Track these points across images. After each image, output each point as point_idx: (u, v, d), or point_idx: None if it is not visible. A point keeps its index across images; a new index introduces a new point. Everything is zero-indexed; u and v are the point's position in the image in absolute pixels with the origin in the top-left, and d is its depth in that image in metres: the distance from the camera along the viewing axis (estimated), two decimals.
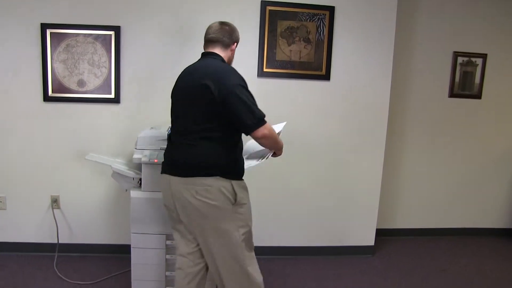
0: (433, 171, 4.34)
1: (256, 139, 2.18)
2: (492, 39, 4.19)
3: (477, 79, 4.24)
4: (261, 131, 2.13)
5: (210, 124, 2.15)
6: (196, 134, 2.17)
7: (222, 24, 2.38)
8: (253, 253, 2.33)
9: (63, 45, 3.32)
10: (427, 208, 4.40)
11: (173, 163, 2.24)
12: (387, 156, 3.83)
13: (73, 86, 3.38)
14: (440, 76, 4.19)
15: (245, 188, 2.30)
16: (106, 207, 3.58)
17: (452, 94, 4.22)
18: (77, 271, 3.32)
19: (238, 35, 2.44)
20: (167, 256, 2.78)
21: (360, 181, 3.79)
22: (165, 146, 2.75)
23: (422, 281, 3.45)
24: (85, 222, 3.59)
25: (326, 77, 3.58)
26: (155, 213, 2.72)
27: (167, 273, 2.80)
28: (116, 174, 2.87)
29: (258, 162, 2.35)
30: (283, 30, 3.48)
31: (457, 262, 3.85)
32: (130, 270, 2.85)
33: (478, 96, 4.28)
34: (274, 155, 2.36)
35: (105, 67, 3.38)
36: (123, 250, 3.42)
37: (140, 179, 2.78)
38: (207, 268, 2.41)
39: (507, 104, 4.37)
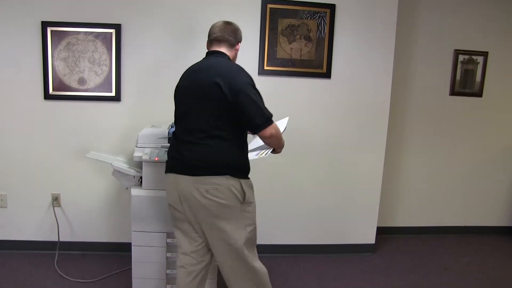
0: (434, 169, 4.34)
1: (263, 138, 2.22)
2: (493, 37, 4.18)
3: (478, 77, 4.24)
4: (269, 130, 2.16)
5: (220, 122, 2.16)
6: (206, 132, 2.16)
7: (227, 23, 2.38)
8: (255, 249, 2.37)
9: (63, 43, 3.32)
10: (428, 206, 4.40)
11: (181, 161, 2.22)
12: (388, 154, 3.83)
13: (74, 84, 3.38)
14: (441, 74, 4.18)
15: (251, 187, 2.32)
16: (107, 205, 3.59)
17: (453, 92, 4.22)
18: (77, 269, 3.32)
19: (241, 35, 2.45)
20: (168, 254, 2.78)
21: (361, 179, 3.79)
22: (166, 144, 2.77)
23: (423, 280, 3.45)
24: (86, 220, 3.59)
25: (327, 75, 3.58)
26: (156, 211, 2.72)
27: (168, 271, 2.80)
28: (117, 172, 2.87)
29: (256, 157, 2.36)
30: (284, 28, 3.48)
31: (459, 260, 3.85)
32: (130, 268, 2.84)
33: (479, 94, 4.27)
34: (274, 151, 2.38)
35: (106, 65, 3.38)
36: (124, 248, 3.43)
37: (141, 177, 2.77)
38: (208, 266, 2.43)
39: (508, 102, 4.36)
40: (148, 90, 3.46)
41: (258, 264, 2.34)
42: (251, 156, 2.37)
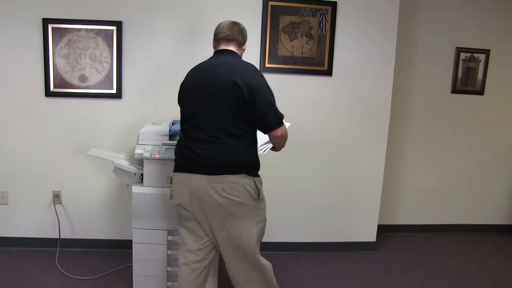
0: (435, 167, 4.34)
1: (273, 137, 2.26)
2: (495, 35, 4.17)
3: (479, 75, 4.23)
4: (280, 130, 2.22)
5: (238, 121, 2.18)
6: (224, 131, 2.16)
7: (234, 23, 2.39)
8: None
9: (64, 40, 3.32)
10: (429, 204, 4.40)
11: (194, 160, 2.20)
12: (389, 152, 3.82)
13: (75, 81, 3.38)
14: (443, 72, 4.18)
15: (262, 184, 2.34)
16: (108, 203, 3.59)
17: (454, 90, 4.21)
18: (78, 266, 3.33)
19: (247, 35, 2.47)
20: (169, 252, 2.78)
21: (362, 176, 3.78)
22: (167, 142, 2.77)
23: (424, 278, 3.45)
24: (87, 217, 3.59)
25: (328, 72, 3.57)
26: (157, 208, 2.71)
27: (169, 269, 2.80)
28: (118, 170, 2.87)
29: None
30: (285, 26, 3.47)
31: (459, 258, 3.85)
32: (131, 265, 2.84)
33: (480, 92, 4.26)
34: (273, 149, 2.41)
35: (107, 62, 3.38)
36: (125, 245, 3.43)
37: (142, 175, 2.77)
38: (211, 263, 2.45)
39: (510, 100, 4.35)
40: (149, 87, 3.46)
41: (264, 260, 2.37)
42: None
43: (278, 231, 3.74)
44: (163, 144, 2.77)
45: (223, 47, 2.34)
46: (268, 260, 2.40)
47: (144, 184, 2.74)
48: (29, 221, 3.55)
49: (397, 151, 4.20)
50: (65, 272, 3.20)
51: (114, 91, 3.42)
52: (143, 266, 2.80)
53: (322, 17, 3.49)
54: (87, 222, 3.60)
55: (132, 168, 2.81)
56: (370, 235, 3.89)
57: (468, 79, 4.21)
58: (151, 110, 3.45)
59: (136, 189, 2.72)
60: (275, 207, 3.68)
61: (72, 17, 3.30)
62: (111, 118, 3.46)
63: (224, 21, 2.39)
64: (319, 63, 3.55)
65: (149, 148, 2.72)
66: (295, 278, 3.34)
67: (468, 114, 4.29)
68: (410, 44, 4.05)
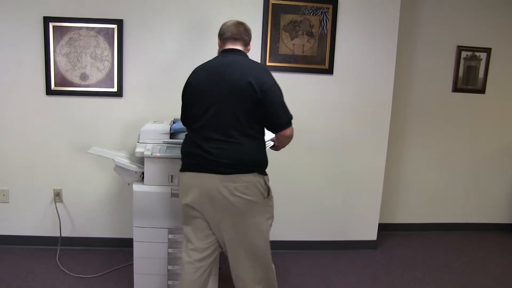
0: (436, 165, 4.33)
1: (282, 137, 2.30)
2: (497, 34, 4.17)
3: (481, 74, 4.22)
4: (289, 130, 2.26)
5: (251, 121, 2.19)
6: (239, 131, 2.17)
7: (240, 23, 2.38)
8: None
9: (65, 38, 3.32)
10: (430, 202, 4.40)
11: (207, 160, 2.19)
12: (390, 151, 3.82)
13: (76, 79, 3.38)
14: (444, 70, 4.17)
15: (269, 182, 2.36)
16: (109, 201, 3.59)
17: (455, 89, 4.21)
18: (79, 264, 3.33)
19: None
20: (170, 250, 2.78)
21: (362, 175, 3.78)
22: (168, 140, 2.76)
23: (425, 276, 3.45)
24: (88, 215, 3.60)
25: (329, 71, 3.57)
26: (158, 207, 2.71)
27: (170, 267, 2.80)
28: (119, 168, 2.86)
29: None
30: (286, 24, 3.47)
31: (460, 257, 3.85)
32: (132, 263, 2.84)
33: (481, 91, 4.26)
34: (273, 147, 2.44)
35: (108, 61, 3.38)
36: (126, 244, 3.43)
37: (143, 173, 2.77)
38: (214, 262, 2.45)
39: (511, 99, 4.35)
40: (150, 86, 3.46)
41: (271, 259, 2.40)
42: None
43: (279, 229, 3.72)
44: (164, 143, 2.77)
45: (230, 46, 2.33)
46: None
47: (145, 183, 2.74)
48: (30, 219, 3.56)
49: (398, 149, 4.19)
50: (66, 271, 3.20)
51: (115, 89, 3.42)
52: (144, 264, 2.80)
53: (323, 16, 3.49)
54: (88, 220, 3.60)
55: (133, 167, 2.81)
56: (371, 234, 3.90)
57: (469, 77, 4.21)
58: (152, 108, 3.45)
59: (137, 187, 2.72)
60: (276, 205, 3.67)
61: (73, 15, 3.30)
62: (112, 117, 3.46)
63: (229, 21, 2.38)
64: (320, 62, 3.55)
65: (150, 146, 2.72)
66: (296, 277, 3.35)
67: (469, 112, 4.28)
68: (411, 43, 4.05)
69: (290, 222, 3.76)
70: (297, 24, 3.48)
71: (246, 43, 2.38)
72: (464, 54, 4.14)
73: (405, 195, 4.35)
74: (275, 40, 3.48)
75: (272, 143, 2.41)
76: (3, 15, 3.26)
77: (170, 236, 2.76)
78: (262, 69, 2.26)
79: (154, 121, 2.98)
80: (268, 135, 2.38)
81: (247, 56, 2.34)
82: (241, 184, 2.17)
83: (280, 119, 2.21)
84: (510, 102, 4.34)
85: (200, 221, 2.32)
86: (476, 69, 4.21)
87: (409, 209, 4.39)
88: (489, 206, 4.53)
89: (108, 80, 3.40)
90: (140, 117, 3.37)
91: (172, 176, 2.70)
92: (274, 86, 2.20)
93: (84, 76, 3.38)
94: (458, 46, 4.12)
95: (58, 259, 3.36)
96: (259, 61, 3.46)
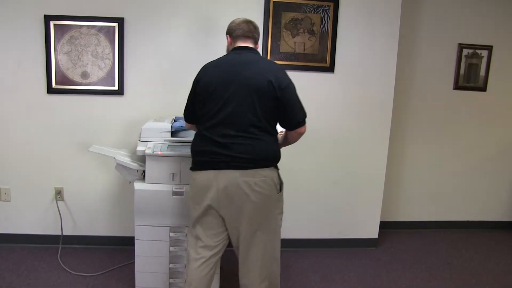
0: (437, 163, 4.33)
1: (297, 134, 2.35)
2: (498, 31, 4.16)
3: (482, 72, 4.22)
4: (304, 128, 2.34)
5: (269, 117, 2.22)
6: (256, 127, 2.19)
7: (249, 21, 2.40)
8: None
9: (66, 36, 3.31)
10: (431, 200, 4.40)
11: (226, 156, 2.19)
12: (391, 148, 3.82)
13: (77, 78, 3.38)
14: (445, 68, 4.17)
15: None
16: (110, 199, 3.59)
17: (456, 87, 4.20)
18: (81, 262, 3.33)
19: None
20: (171, 248, 2.78)
21: (364, 173, 3.78)
22: (169, 138, 2.76)
23: (426, 274, 3.45)
24: (89, 214, 3.60)
25: (330, 69, 3.57)
26: (159, 205, 2.71)
27: (171, 265, 2.80)
28: (120, 166, 2.87)
29: None
30: (287, 22, 3.47)
31: (462, 255, 3.85)
32: (133, 262, 2.85)
33: (483, 88, 4.25)
34: (282, 144, 2.46)
35: (109, 59, 3.38)
36: (127, 242, 3.43)
37: (144, 171, 2.77)
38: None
39: None
40: (151, 84, 3.46)
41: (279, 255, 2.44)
42: None
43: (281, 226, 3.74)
44: (165, 141, 2.77)
45: (241, 44, 2.34)
46: None
47: (146, 181, 2.74)
48: (31, 218, 3.56)
49: (399, 147, 4.19)
50: (67, 269, 3.21)
51: (116, 88, 3.41)
52: (145, 262, 2.80)
53: (324, 14, 3.48)
54: (89, 218, 3.61)
55: (134, 165, 2.81)
56: (372, 232, 3.90)
57: (470, 75, 4.20)
58: (153, 106, 3.45)
59: (138, 185, 2.72)
60: None
61: (74, 13, 3.30)
62: (113, 115, 3.46)
63: (238, 18, 2.40)
64: (321, 60, 3.54)
65: (151, 144, 2.72)
66: (298, 275, 3.35)
67: (470, 110, 4.28)
68: (413, 41, 4.04)
69: (292, 220, 3.75)
70: (298, 22, 3.48)
71: (256, 41, 2.40)
72: (465, 51, 4.14)
73: (406, 193, 4.35)
74: (276, 38, 3.47)
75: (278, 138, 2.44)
76: (4, 14, 3.26)
77: (172, 234, 2.76)
78: (279, 68, 2.29)
79: (155, 120, 2.98)
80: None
81: (260, 54, 2.36)
82: (260, 178, 2.20)
83: (297, 117, 2.28)
84: (511, 100, 4.33)
85: (212, 219, 2.32)
86: (478, 66, 4.20)
87: (410, 207, 4.39)
88: (491, 204, 4.52)
89: (109, 79, 3.40)
90: (141, 115, 3.37)
91: (173, 174, 2.70)
92: (291, 84, 2.26)
93: (85, 75, 3.38)
94: (460, 44, 4.12)
95: (60, 258, 3.36)
96: None
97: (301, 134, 2.36)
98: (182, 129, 2.85)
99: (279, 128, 2.39)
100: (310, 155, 3.68)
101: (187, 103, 2.42)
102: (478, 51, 4.16)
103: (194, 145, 2.34)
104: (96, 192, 3.57)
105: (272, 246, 2.35)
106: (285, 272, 3.33)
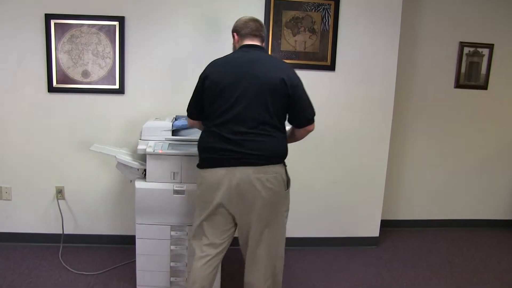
0: (438, 162, 4.33)
1: (306, 131, 2.40)
2: (499, 29, 4.15)
3: (483, 70, 4.21)
4: (313, 125, 2.38)
5: (280, 114, 2.25)
6: (268, 124, 2.21)
7: (256, 19, 2.41)
8: None
9: (67, 35, 3.31)
10: (432, 199, 4.39)
11: (239, 153, 2.19)
12: (392, 147, 3.81)
13: (78, 77, 3.38)
14: (446, 66, 4.16)
15: None
16: (111, 198, 3.59)
17: (457, 85, 4.20)
18: (82, 261, 3.34)
19: None
20: (172, 247, 2.78)
21: (365, 172, 3.78)
22: (170, 137, 2.77)
23: (427, 272, 3.45)
24: (90, 212, 3.60)
25: (331, 67, 3.56)
26: (160, 204, 2.72)
27: (172, 264, 2.81)
28: (121, 165, 2.87)
29: None
30: (288, 20, 3.46)
31: (463, 253, 3.84)
32: (134, 260, 2.85)
33: (484, 87, 4.25)
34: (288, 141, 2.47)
35: (110, 58, 3.37)
36: (128, 241, 3.44)
37: (145, 170, 2.77)
38: None
39: None
40: (152, 83, 3.45)
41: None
42: None
43: None
44: (166, 140, 2.77)
45: (249, 42, 2.35)
46: None
47: (147, 180, 2.74)
48: (32, 216, 3.56)
49: (400, 146, 4.19)
50: (68, 268, 3.21)
51: (116, 86, 3.41)
52: (146, 261, 2.80)
53: (325, 12, 3.48)
54: (90, 217, 3.61)
55: (135, 164, 2.81)
56: (373, 231, 3.89)
57: (471, 74, 4.20)
58: (153, 105, 3.45)
59: (139, 184, 2.73)
60: None
61: (75, 12, 3.30)
62: (114, 114, 3.46)
63: (244, 17, 2.41)
64: (322, 58, 3.54)
65: (152, 143, 2.72)
66: (299, 273, 3.35)
67: (471, 109, 4.27)
68: (414, 39, 4.04)
69: (293, 219, 3.73)
70: (299, 21, 3.47)
71: (263, 39, 2.42)
72: (466, 50, 4.13)
73: (407, 191, 4.34)
74: (277, 36, 3.47)
75: None
76: (4, 13, 3.26)
77: (172, 233, 2.77)
78: (289, 66, 2.32)
79: (156, 118, 2.99)
80: None
81: (268, 52, 2.38)
82: (271, 175, 2.22)
83: (307, 114, 2.32)
84: None
85: (221, 217, 2.32)
86: (479, 65, 4.19)
87: (411, 206, 4.38)
88: (492, 203, 4.52)
89: (110, 77, 3.40)
90: (142, 114, 3.37)
91: (174, 173, 2.71)
92: (300, 82, 2.29)
93: (85, 73, 3.38)
94: (461, 42, 4.11)
95: (61, 256, 3.36)
96: None
97: (310, 131, 2.39)
98: (183, 128, 2.86)
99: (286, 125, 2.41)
100: (310, 154, 3.68)
101: (191, 99, 2.40)
102: (479, 50, 4.15)
103: (203, 142, 2.33)
104: (97, 191, 3.57)
105: (278, 244, 2.36)
106: (286, 270, 3.30)
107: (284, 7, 3.44)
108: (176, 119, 2.98)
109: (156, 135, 2.78)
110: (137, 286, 2.87)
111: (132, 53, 3.40)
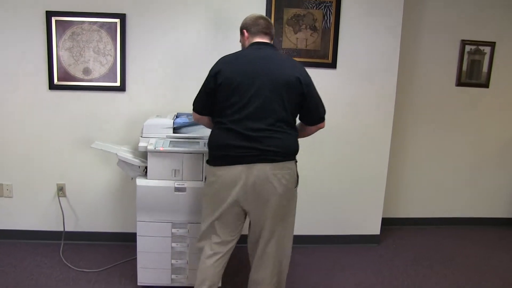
0: (440, 160, 4.32)
1: (317, 128, 2.47)
2: (501, 27, 4.14)
3: (485, 68, 4.20)
4: (324, 123, 2.45)
5: (293, 112, 2.30)
6: (284, 121, 2.24)
7: (265, 17, 2.43)
8: None
9: (68, 33, 3.31)
10: (433, 197, 4.39)
11: (256, 150, 2.18)
12: (393, 145, 3.81)
13: (79, 74, 3.38)
14: (448, 64, 4.15)
15: None
16: (112, 195, 3.59)
17: (459, 83, 4.19)
18: (83, 258, 3.34)
19: None
20: (173, 244, 2.79)
21: (366, 170, 3.77)
22: (171, 134, 2.76)
23: (428, 270, 3.45)
24: (91, 210, 3.60)
25: (333, 65, 3.56)
26: (161, 201, 2.72)
27: (173, 261, 2.81)
28: (122, 162, 2.87)
29: None
30: (289, 18, 3.46)
31: (464, 251, 3.84)
32: (136, 258, 2.85)
33: (485, 85, 4.24)
34: None
35: (111, 55, 3.37)
36: (129, 238, 3.44)
37: (146, 167, 2.77)
38: None
39: None
40: (153, 80, 3.45)
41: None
42: None
43: None
44: (167, 137, 2.77)
45: (259, 39, 2.36)
46: None
47: (148, 177, 2.74)
48: (33, 214, 3.56)
49: (401, 144, 4.18)
50: (69, 265, 3.21)
51: (117, 84, 3.41)
52: (147, 258, 2.81)
53: (327, 10, 3.47)
54: (91, 215, 3.61)
55: (136, 161, 2.81)
56: (374, 228, 3.89)
57: (473, 72, 4.19)
58: (155, 102, 3.45)
59: (140, 182, 2.73)
60: None
61: (76, 9, 3.29)
62: (115, 111, 3.46)
63: (253, 14, 2.43)
64: (323, 56, 3.54)
65: (153, 141, 2.72)
66: (300, 271, 3.35)
67: (473, 107, 4.27)
68: (415, 36, 4.03)
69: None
70: (300, 18, 3.47)
71: (273, 37, 2.44)
72: (468, 48, 4.12)
73: (408, 190, 4.34)
74: (278, 34, 3.46)
75: None
76: (5, 10, 3.25)
77: (174, 230, 2.77)
78: (301, 65, 2.34)
79: (157, 116, 2.99)
80: None
81: (278, 50, 2.40)
82: (286, 171, 2.25)
83: (319, 112, 2.38)
84: None
85: (234, 215, 2.32)
86: (480, 63, 4.19)
87: (412, 204, 4.38)
88: (493, 200, 4.52)
89: (111, 75, 3.40)
90: (143, 112, 3.37)
91: (175, 170, 2.71)
92: (312, 82, 2.32)
93: (87, 71, 3.38)
94: (462, 40, 4.10)
95: (62, 254, 3.37)
96: None
97: (320, 128, 2.46)
98: (184, 125, 2.86)
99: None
100: (311, 152, 3.67)
101: (199, 94, 2.36)
102: (481, 48, 4.15)
103: (216, 139, 2.29)
104: (98, 189, 3.57)
105: (287, 241, 2.39)
106: (288, 267, 3.33)
107: (285, 5, 3.43)
108: (177, 116, 2.98)
109: (157, 132, 2.78)
110: (138, 284, 2.88)
111: (133, 51, 3.40)
